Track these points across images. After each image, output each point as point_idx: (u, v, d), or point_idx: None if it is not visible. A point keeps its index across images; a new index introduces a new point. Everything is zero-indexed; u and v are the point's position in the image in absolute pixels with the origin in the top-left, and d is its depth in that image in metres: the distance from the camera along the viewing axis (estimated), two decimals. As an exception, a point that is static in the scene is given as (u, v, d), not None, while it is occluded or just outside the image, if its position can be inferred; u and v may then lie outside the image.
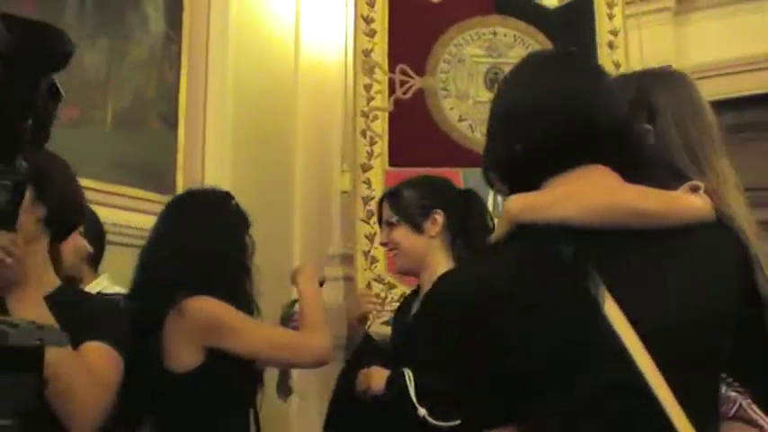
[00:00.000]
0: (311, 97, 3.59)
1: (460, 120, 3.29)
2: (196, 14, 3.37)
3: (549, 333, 1.21)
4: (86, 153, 2.84)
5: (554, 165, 1.29)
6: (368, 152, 3.20)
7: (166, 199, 3.16)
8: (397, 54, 3.29)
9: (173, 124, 3.27)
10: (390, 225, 2.30)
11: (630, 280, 1.21)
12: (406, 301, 2.41)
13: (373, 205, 3.15)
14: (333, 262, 3.49)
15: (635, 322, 1.17)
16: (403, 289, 2.93)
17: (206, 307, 1.97)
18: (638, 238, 1.22)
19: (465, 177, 2.96)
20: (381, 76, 3.26)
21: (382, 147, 3.21)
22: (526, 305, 1.22)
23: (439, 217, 2.25)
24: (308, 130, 3.58)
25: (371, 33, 3.29)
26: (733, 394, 1.41)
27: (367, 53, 3.27)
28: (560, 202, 1.25)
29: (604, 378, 1.18)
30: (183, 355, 1.96)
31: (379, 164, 3.20)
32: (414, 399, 2.03)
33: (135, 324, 1.96)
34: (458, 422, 1.82)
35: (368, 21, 3.29)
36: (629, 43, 3.39)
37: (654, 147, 1.48)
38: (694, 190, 1.34)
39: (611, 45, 3.40)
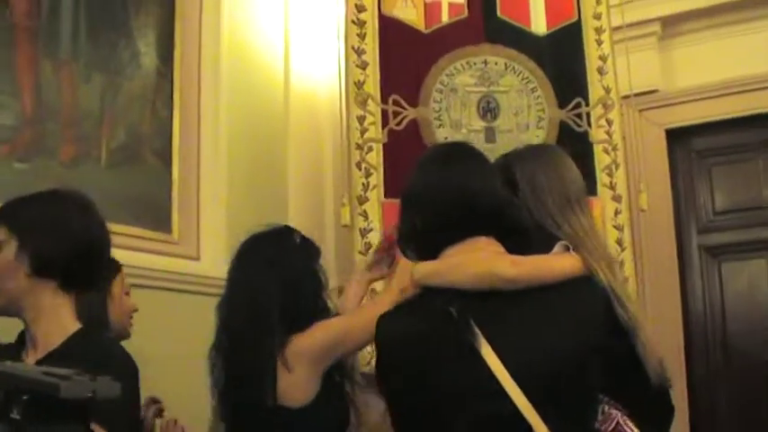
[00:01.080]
0: (303, 130, 3.59)
1: (455, 149, 3.28)
2: (187, 50, 3.36)
3: (437, 375, 1.50)
4: (83, 191, 2.81)
5: (445, 237, 1.61)
6: (363, 184, 3.18)
7: (162, 236, 3.15)
8: (389, 85, 3.27)
9: (168, 160, 3.25)
10: None
11: (506, 331, 1.49)
12: None
13: (371, 237, 3.16)
14: (330, 295, 3.46)
15: (509, 365, 1.45)
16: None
17: (314, 337, 2.03)
18: (514, 296, 1.54)
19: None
20: (374, 107, 3.24)
21: (378, 178, 3.19)
22: (419, 352, 1.53)
23: None
24: (301, 163, 3.58)
25: (363, 65, 3.27)
26: (613, 412, 1.68)
27: (359, 85, 3.25)
28: (450, 271, 1.57)
29: (483, 411, 1.46)
30: (299, 390, 2.01)
31: (375, 196, 3.18)
32: None
33: (235, 371, 2.06)
34: None
35: (359, 52, 3.28)
36: (617, 69, 3.42)
37: (525, 214, 1.72)
38: (567, 249, 1.65)
39: (600, 71, 3.41)
